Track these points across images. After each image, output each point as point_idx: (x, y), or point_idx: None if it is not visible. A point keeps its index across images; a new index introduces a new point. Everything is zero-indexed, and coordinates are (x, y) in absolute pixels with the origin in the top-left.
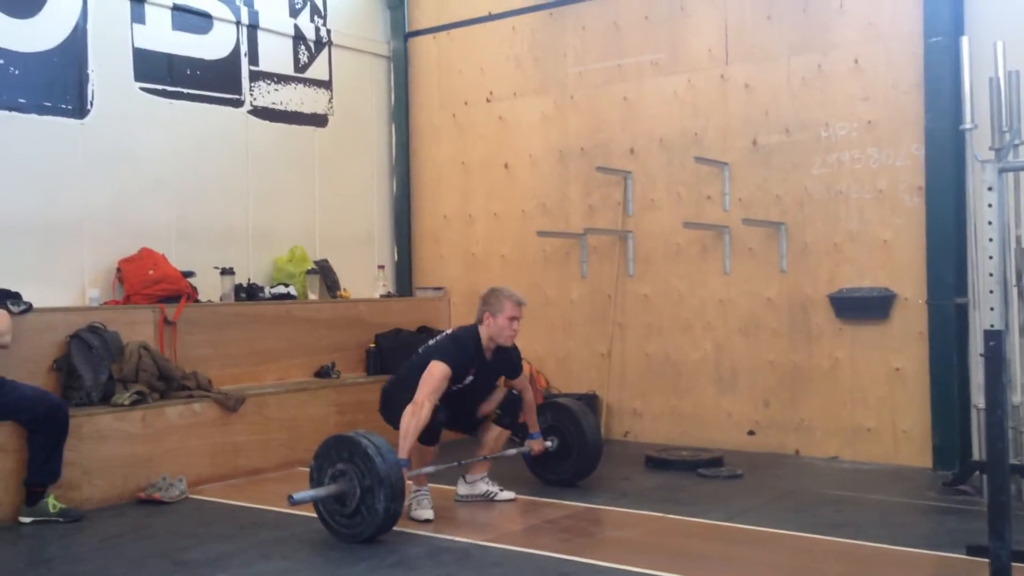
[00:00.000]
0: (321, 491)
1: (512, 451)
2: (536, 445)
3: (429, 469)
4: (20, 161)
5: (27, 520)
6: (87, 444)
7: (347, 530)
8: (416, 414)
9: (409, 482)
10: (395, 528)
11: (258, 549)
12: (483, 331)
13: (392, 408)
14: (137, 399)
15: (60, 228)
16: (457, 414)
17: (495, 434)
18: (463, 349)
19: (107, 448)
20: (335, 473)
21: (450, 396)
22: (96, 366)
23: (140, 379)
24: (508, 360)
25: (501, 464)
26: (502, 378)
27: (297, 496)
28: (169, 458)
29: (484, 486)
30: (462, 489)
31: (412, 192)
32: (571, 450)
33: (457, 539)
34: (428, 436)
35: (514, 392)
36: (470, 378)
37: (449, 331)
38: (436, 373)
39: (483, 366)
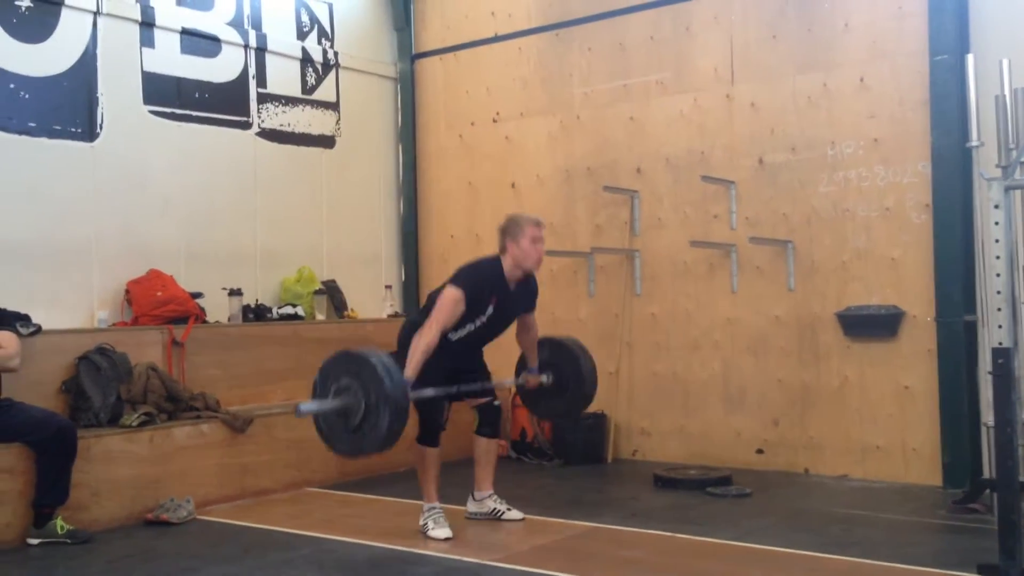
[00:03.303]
0: (327, 404)
1: (508, 381)
2: (532, 379)
3: (429, 392)
4: (30, 184)
5: (35, 542)
6: (95, 465)
7: (347, 445)
8: (424, 335)
9: (427, 509)
10: (403, 548)
11: (265, 570)
12: (507, 261)
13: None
14: (145, 420)
15: (69, 250)
16: (460, 378)
17: (484, 446)
18: (480, 273)
19: (115, 469)
20: (340, 388)
21: (474, 327)
22: (105, 388)
23: (148, 400)
24: (528, 290)
25: (508, 484)
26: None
27: (304, 407)
28: (177, 479)
29: (491, 503)
30: (471, 506)
31: (419, 212)
32: (566, 387)
33: (466, 559)
34: (430, 437)
35: (495, 404)
36: (491, 309)
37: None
38: (448, 297)
39: (506, 296)
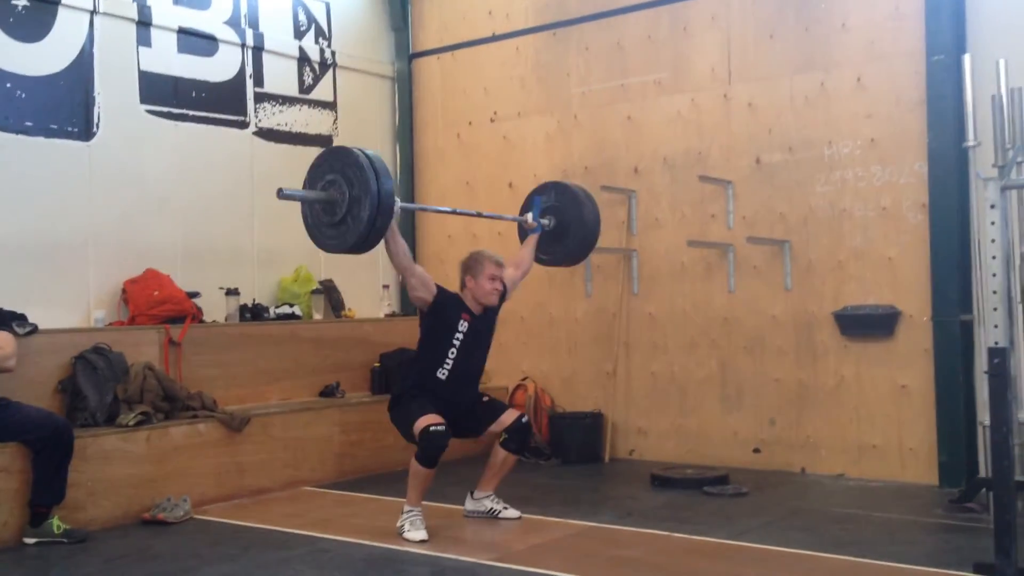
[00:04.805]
0: (310, 193)
1: (510, 216)
2: (530, 219)
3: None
4: (27, 183)
5: (31, 541)
6: (92, 465)
7: (332, 240)
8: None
9: (407, 510)
10: (400, 547)
11: (262, 570)
12: (466, 296)
13: (399, 410)
14: (142, 420)
15: (66, 249)
16: (461, 415)
17: (502, 457)
18: (449, 292)
19: (112, 469)
20: (326, 183)
21: (456, 352)
22: (101, 387)
23: (145, 400)
24: (494, 318)
25: (505, 483)
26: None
27: (286, 190)
28: (174, 478)
29: (489, 503)
30: (469, 505)
31: (416, 212)
32: (567, 233)
33: (462, 558)
34: (428, 459)
35: (523, 420)
36: (465, 324)
37: None
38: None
39: (475, 319)
